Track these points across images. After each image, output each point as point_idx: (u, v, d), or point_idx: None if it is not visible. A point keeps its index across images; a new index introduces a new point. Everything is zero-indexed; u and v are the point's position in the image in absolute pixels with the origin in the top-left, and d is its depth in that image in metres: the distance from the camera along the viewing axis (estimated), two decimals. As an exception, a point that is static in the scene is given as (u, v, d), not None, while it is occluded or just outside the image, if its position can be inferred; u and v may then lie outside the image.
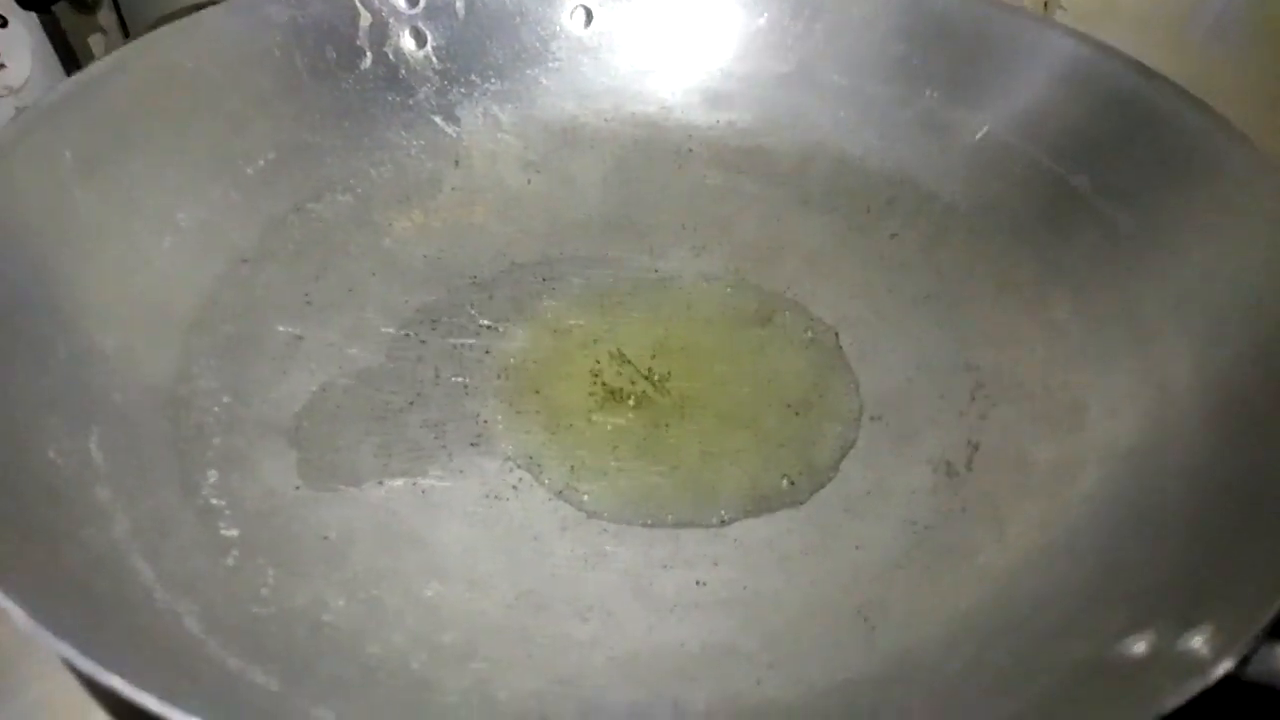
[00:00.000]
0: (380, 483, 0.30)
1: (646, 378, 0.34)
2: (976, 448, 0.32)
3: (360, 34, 0.40)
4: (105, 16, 0.48)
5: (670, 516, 0.30)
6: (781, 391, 0.34)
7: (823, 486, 0.31)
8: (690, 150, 0.42)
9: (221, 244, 0.35)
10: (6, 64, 0.43)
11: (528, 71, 0.42)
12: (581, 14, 0.43)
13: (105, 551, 0.25)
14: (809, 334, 0.36)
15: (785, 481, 0.31)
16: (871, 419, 0.33)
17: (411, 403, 0.33)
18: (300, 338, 0.34)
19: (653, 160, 0.42)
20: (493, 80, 0.42)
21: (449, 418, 0.32)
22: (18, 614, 0.21)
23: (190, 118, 0.36)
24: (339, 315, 0.35)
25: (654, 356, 0.35)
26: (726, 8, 0.43)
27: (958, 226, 0.38)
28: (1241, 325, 0.30)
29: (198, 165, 0.36)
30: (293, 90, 0.39)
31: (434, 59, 0.41)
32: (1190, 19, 0.41)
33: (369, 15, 0.40)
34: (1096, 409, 0.32)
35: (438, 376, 0.34)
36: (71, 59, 0.45)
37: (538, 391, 0.33)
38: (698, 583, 0.28)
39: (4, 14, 0.42)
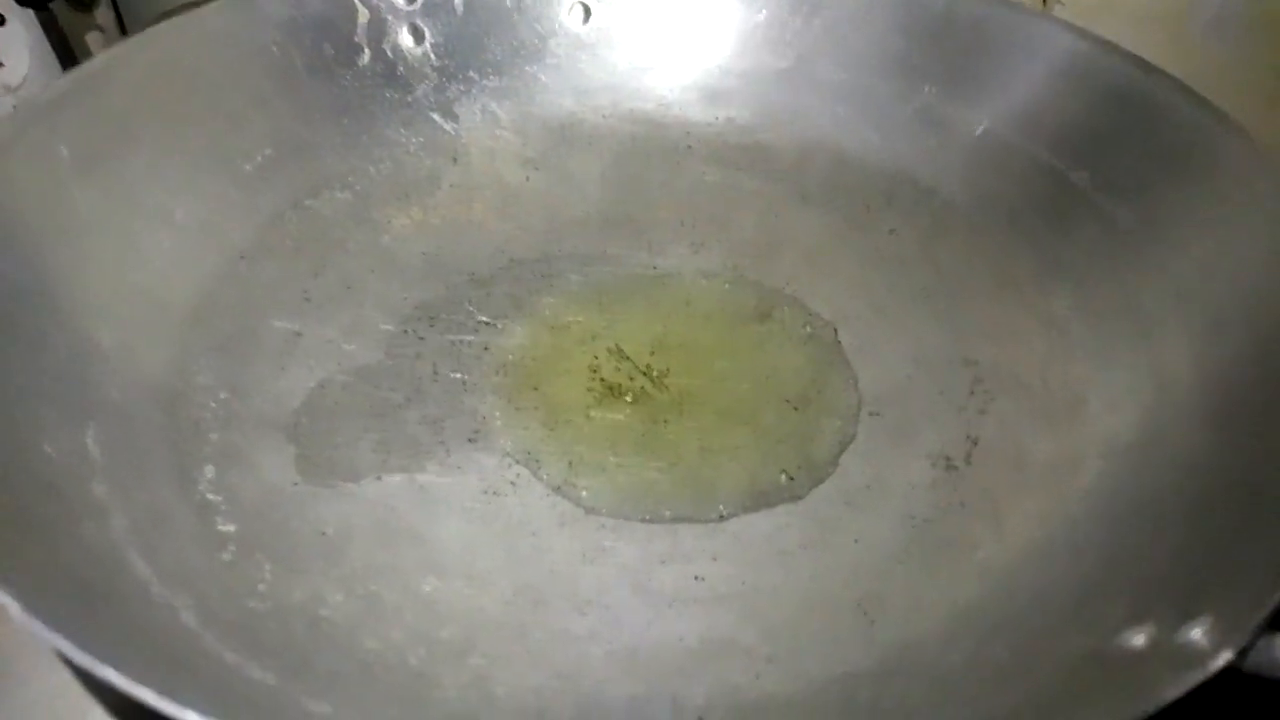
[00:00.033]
0: (378, 478, 0.30)
1: (645, 374, 0.34)
2: (975, 442, 0.32)
3: (358, 31, 0.40)
4: (103, 15, 0.48)
5: (668, 512, 0.30)
6: (780, 387, 0.34)
7: (821, 482, 0.31)
8: (689, 147, 0.42)
9: (219, 241, 0.35)
10: (4, 62, 0.43)
11: (526, 68, 0.42)
12: (580, 11, 0.43)
13: (102, 546, 0.25)
14: (808, 330, 0.36)
15: (784, 477, 0.31)
16: (870, 414, 0.33)
17: (410, 399, 0.33)
18: (299, 334, 0.34)
19: (651, 157, 0.42)
20: (491, 77, 0.42)
21: (447, 414, 0.32)
22: (13, 608, 0.21)
23: (188, 114, 0.36)
24: (337, 312, 0.35)
25: (652, 353, 0.35)
26: (725, 4, 0.43)
27: (956, 222, 0.38)
28: (1241, 319, 0.30)
29: (195, 162, 0.36)
30: (291, 87, 0.39)
31: (432, 56, 0.41)
32: (1189, 13, 0.41)
33: (367, 12, 0.40)
34: (1095, 404, 0.32)
35: (436, 373, 0.34)
36: (69, 57, 0.45)
37: (536, 388, 0.33)
38: (696, 578, 0.28)
39: (2, 12, 0.42)
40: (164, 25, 0.37)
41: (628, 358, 0.34)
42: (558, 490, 0.30)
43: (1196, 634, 0.22)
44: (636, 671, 0.26)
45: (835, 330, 0.35)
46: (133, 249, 0.33)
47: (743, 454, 0.32)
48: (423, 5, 0.41)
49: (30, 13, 0.43)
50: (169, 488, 0.28)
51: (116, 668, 0.20)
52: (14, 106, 0.43)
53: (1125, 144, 0.36)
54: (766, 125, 0.42)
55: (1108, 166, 0.36)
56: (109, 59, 0.35)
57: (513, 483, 0.31)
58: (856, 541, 0.29)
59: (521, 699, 0.25)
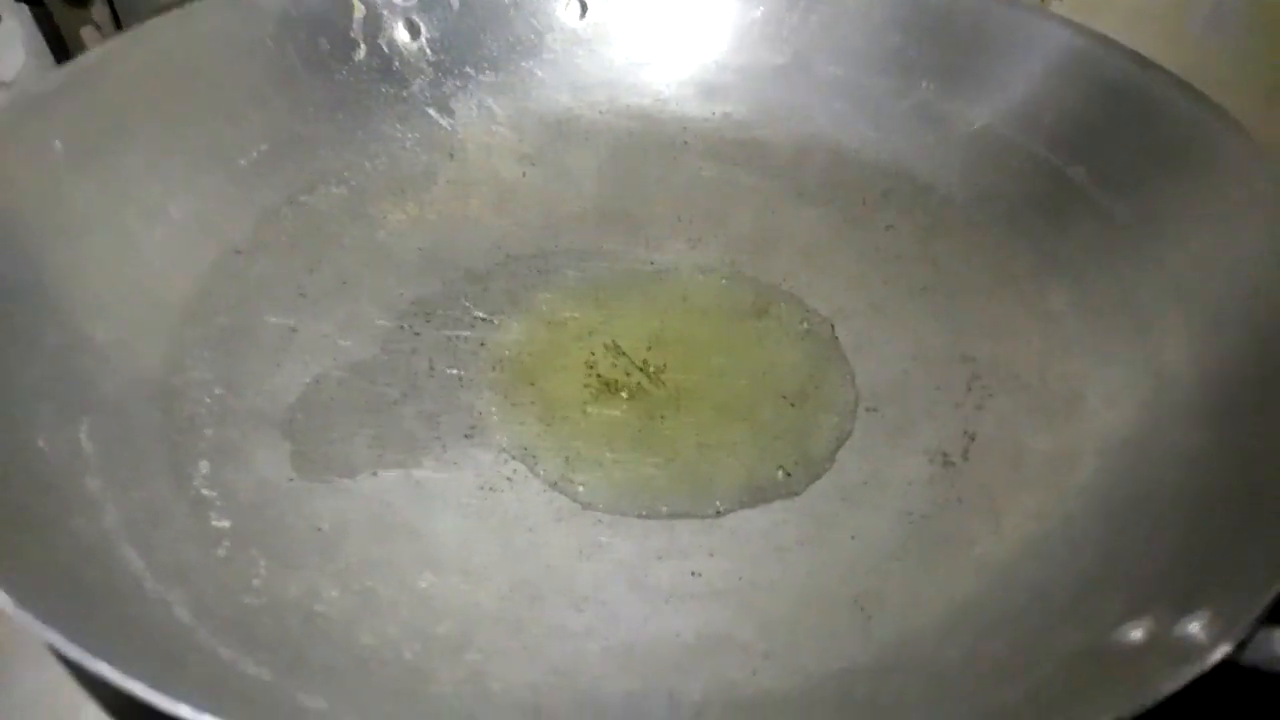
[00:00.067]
0: (374, 474, 0.30)
1: (642, 370, 0.34)
2: (973, 438, 0.32)
3: (354, 25, 0.40)
4: (99, 11, 0.47)
5: (665, 508, 0.30)
6: (777, 383, 0.34)
7: (819, 478, 0.31)
8: (685, 142, 0.42)
9: (214, 235, 0.35)
10: (-1, 57, 0.43)
11: (522, 64, 0.42)
12: (576, 6, 0.42)
13: (95, 541, 0.25)
14: (805, 326, 0.36)
15: (781, 473, 0.31)
16: (867, 410, 0.33)
17: (406, 394, 0.33)
18: (294, 329, 0.34)
19: (648, 152, 0.41)
20: (487, 72, 0.42)
21: (443, 409, 0.32)
22: (6, 603, 0.21)
23: (183, 109, 0.36)
24: (333, 307, 0.35)
25: (649, 348, 0.34)
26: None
27: (954, 218, 0.38)
28: (1238, 314, 0.30)
29: (190, 156, 0.36)
30: (286, 82, 0.39)
31: (428, 51, 0.41)
32: (1187, 9, 0.41)
33: (363, 7, 0.40)
34: (1093, 399, 0.32)
35: (432, 368, 0.33)
36: (64, 53, 0.45)
37: (532, 383, 0.33)
38: (693, 573, 0.28)
39: (-3, 7, 0.42)
40: (159, 20, 0.36)
41: (624, 353, 0.34)
42: (554, 486, 0.30)
43: (1194, 628, 0.22)
44: (633, 667, 0.26)
45: (832, 326, 0.35)
46: (127, 244, 0.33)
47: (740, 450, 0.32)
48: (419, 0, 0.41)
49: (25, 8, 0.43)
50: (163, 483, 0.28)
51: (109, 662, 0.20)
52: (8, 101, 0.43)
53: (1123, 140, 0.36)
54: (763, 121, 0.42)
55: (1105, 162, 0.36)
56: (104, 53, 0.35)
57: (509, 478, 0.31)
58: (853, 537, 0.29)
59: (518, 695, 0.25)
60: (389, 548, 0.28)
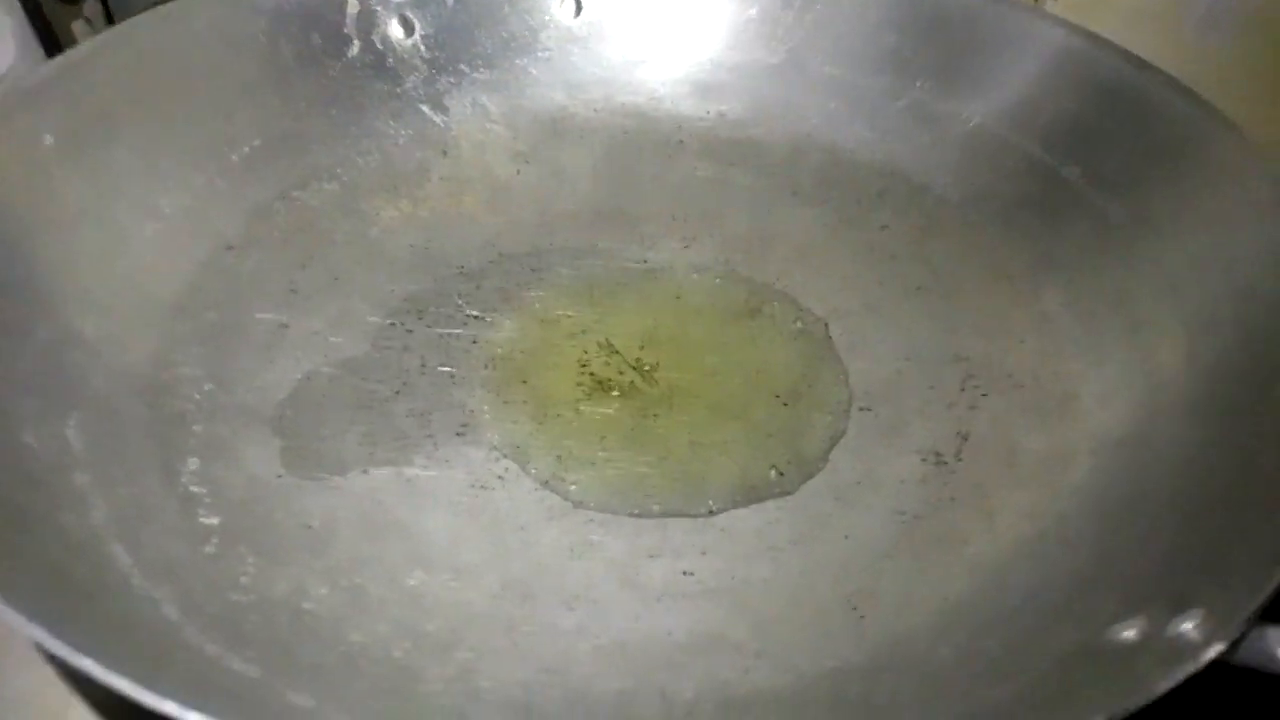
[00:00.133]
0: (365, 471, 0.30)
1: (635, 368, 0.34)
2: (966, 438, 0.32)
3: (347, 21, 0.40)
4: (90, 5, 0.47)
5: (657, 506, 0.30)
6: (771, 382, 0.34)
7: (812, 477, 0.31)
8: (680, 141, 0.42)
9: (206, 231, 0.35)
10: (-11, 52, 0.43)
11: (517, 61, 0.42)
12: (571, 3, 0.42)
13: (83, 537, 0.25)
14: (798, 325, 0.35)
15: (774, 472, 0.31)
16: (861, 409, 0.33)
17: (397, 392, 0.32)
18: (285, 326, 0.34)
19: (643, 151, 0.41)
20: (481, 70, 0.42)
21: (435, 407, 0.32)
22: (-9, 599, 0.20)
23: (174, 103, 0.36)
24: (324, 304, 0.35)
25: (643, 347, 0.34)
26: (717, -2, 0.43)
27: (948, 218, 0.38)
28: (1232, 315, 0.30)
29: (182, 151, 0.35)
30: (279, 77, 0.38)
31: (422, 47, 0.41)
32: (1181, 9, 0.41)
33: (356, 3, 0.40)
34: (1087, 399, 0.32)
35: (424, 366, 0.33)
36: (55, 48, 0.45)
37: (525, 381, 0.33)
38: (685, 572, 0.28)
39: (-13, 1, 0.42)
40: (151, 14, 0.36)
41: (617, 352, 0.34)
42: (546, 484, 0.30)
43: (1188, 627, 0.21)
44: (625, 666, 0.26)
45: (826, 325, 0.35)
46: (118, 239, 0.33)
47: (733, 449, 0.31)
48: (413, -4, 0.41)
49: (16, 2, 0.42)
50: (152, 479, 0.28)
51: (95, 658, 0.20)
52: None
53: (1117, 140, 0.36)
54: (758, 120, 0.42)
55: (1100, 162, 0.36)
56: (95, 46, 0.35)
57: (500, 476, 0.30)
58: (846, 537, 0.29)
59: (508, 693, 0.25)
60: (379, 545, 0.28)
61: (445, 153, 0.40)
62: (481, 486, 0.30)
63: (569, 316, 0.35)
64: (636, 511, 0.30)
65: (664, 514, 0.30)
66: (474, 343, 0.34)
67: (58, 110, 0.32)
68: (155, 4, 0.37)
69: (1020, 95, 0.39)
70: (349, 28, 0.40)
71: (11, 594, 0.21)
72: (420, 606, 0.27)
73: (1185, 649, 0.21)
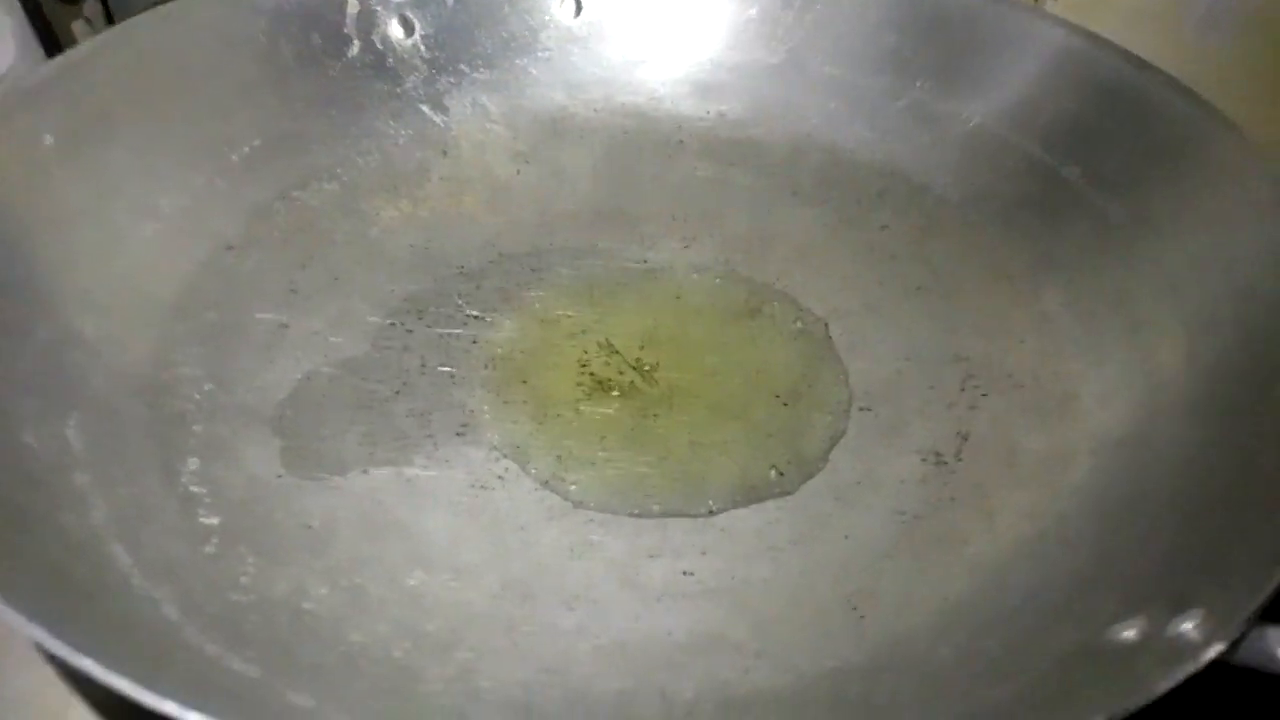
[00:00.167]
0: (365, 471, 0.30)
1: (635, 368, 0.34)
2: (966, 438, 0.32)
3: (347, 21, 0.40)
4: (90, 6, 0.47)
5: (657, 506, 0.30)
6: (771, 382, 0.34)
7: (811, 477, 0.31)
8: (680, 141, 0.42)
9: (205, 231, 0.35)
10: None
11: (517, 61, 0.42)
12: (571, 3, 0.42)
13: (83, 537, 0.25)
14: (798, 325, 0.35)
15: (774, 472, 0.31)
16: (861, 410, 0.33)
17: (397, 392, 0.32)
18: (285, 326, 0.34)
19: (643, 151, 0.41)
20: (481, 70, 0.42)
21: (435, 407, 0.32)
22: (-9, 599, 0.20)
23: (174, 103, 0.36)
24: (324, 304, 0.35)
25: (643, 347, 0.34)
26: (717, -2, 0.43)
27: (948, 218, 0.38)
28: (1232, 315, 0.30)
29: (181, 151, 0.35)
30: (279, 78, 0.38)
31: (422, 47, 0.41)
32: (1181, 9, 0.41)
33: (356, 2, 0.40)
34: (1087, 399, 0.32)
35: (424, 366, 0.33)
36: (55, 47, 0.45)
37: (525, 381, 0.33)
38: (685, 572, 0.28)
39: (-13, 2, 0.42)
40: (151, 14, 0.36)
41: (618, 352, 0.34)
42: (546, 484, 0.30)
43: (1188, 627, 0.21)
44: (625, 666, 0.26)
45: (826, 325, 0.35)
46: (117, 239, 0.33)
47: (733, 449, 0.31)
48: (413, -4, 0.41)
49: (16, 1, 0.42)
50: (152, 479, 0.28)
51: (95, 658, 0.20)
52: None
53: (1117, 140, 0.36)
54: (758, 120, 0.42)
55: (1100, 162, 0.36)
56: (95, 46, 0.35)
57: (500, 476, 0.30)
58: (846, 537, 0.29)
59: (508, 693, 0.25)
60: (379, 545, 0.28)
61: (445, 153, 0.40)
62: (481, 486, 0.30)
63: (569, 316, 0.35)
64: (636, 511, 0.30)
65: (664, 514, 0.30)
66: (474, 343, 0.34)
67: (57, 110, 0.32)
68: (155, 4, 0.37)
69: (1020, 95, 0.39)
70: (349, 28, 0.40)
71: (11, 594, 0.20)
72: (420, 606, 0.27)
73: (1185, 649, 0.21)
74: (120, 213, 0.33)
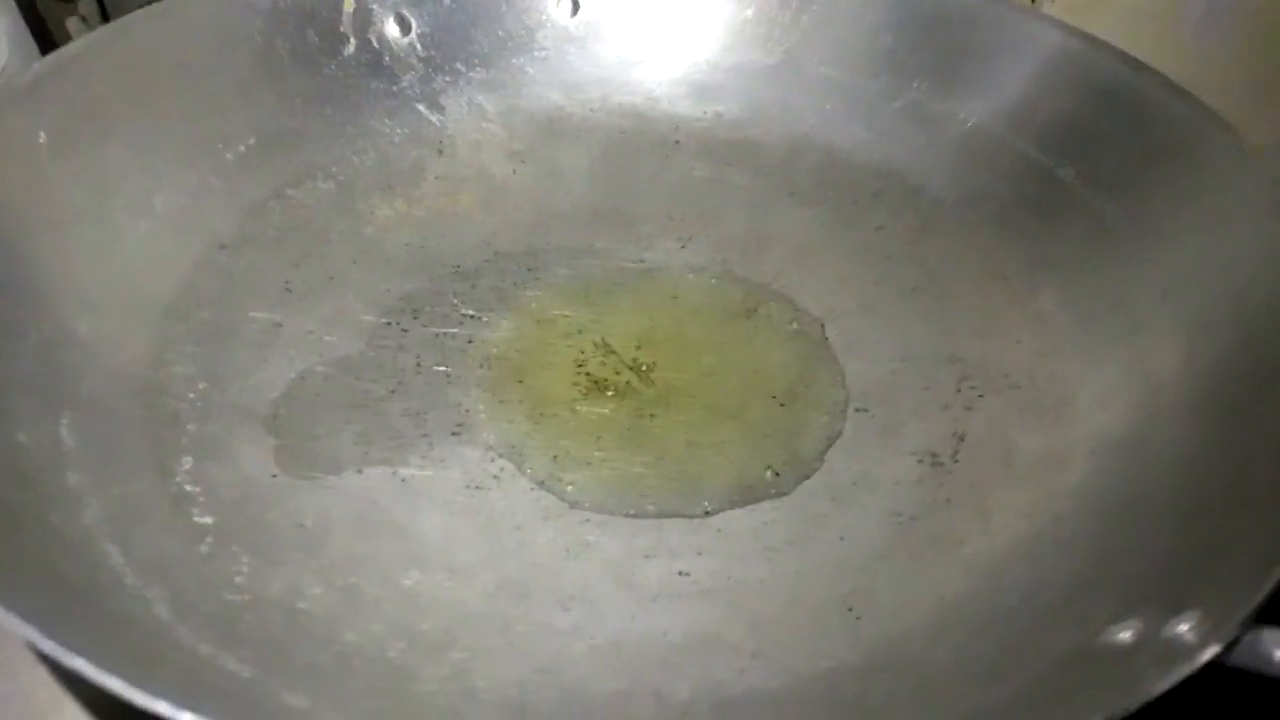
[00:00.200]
0: (360, 471, 0.30)
1: (631, 368, 0.34)
2: (962, 439, 0.32)
3: (343, 19, 0.40)
4: (85, 4, 0.47)
5: (653, 507, 0.30)
6: (767, 383, 0.33)
7: (808, 477, 0.31)
8: (677, 141, 0.42)
9: (200, 229, 0.35)
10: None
11: (513, 60, 0.42)
12: (568, 3, 0.42)
13: (75, 537, 0.25)
14: (795, 325, 0.35)
15: (770, 472, 0.31)
16: (857, 410, 0.33)
17: (393, 391, 0.32)
18: (279, 325, 0.33)
19: (639, 151, 0.41)
20: (478, 69, 0.41)
21: (430, 406, 0.32)
22: (-18, 598, 0.20)
23: (169, 101, 0.36)
24: (319, 303, 0.34)
25: (639, 347, 0.34)
26: (714, -1, 0.43)
27: (945, 219, 0.38)
28: (1229, 316, 0.30)
29: (176, 150, 0.35)
30: (274, 75, 0.38)
31: (418, 46, 0.41)
32: (1179, 11, 0.41)
33: (353, 1, 0.40)
34: (1084, 400, 0.32)
35: (419, 365, 0.33)
36: (50, 45, 0.45)
37: (521, 381, 0.33)
38: (681, 573, 0.28)
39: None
40: (145, 11, 0.36)
41: (614, 352, 0.34)
42: (542, 484, 0.30)
43: (1183, 629, 0.21)
44: (620, 666, 0.26)
45: (823, 326, 0.35)
46: (112, 237, 0.33)
47: (729, 449, 0.31)
48: (409, -5, 0.41)
49: (10, 1, 0.42)
50: (146, 478, 0.28)
51: (87, 658, 0.19)
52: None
53: (1113, 141, 0.36)
54: (755, 120, 0.42)
55: (1096, 163, 0.36)
56: (89, 43, 0.35)
57: (496, 476, 0.30)
58: (842, 538, 0.29)
59: (503, 693, 0.25)
60: (374, 545, 0.28)
61: (441, 152, 0.40)
62: (477, 486, 0.30)
63: (565, 316, 0.35)
64: (632, 512, 0.30)
65: (660, 514, 0.30)
66: (470, 342, 0.34)
67: (52, 108, 0.32)
68: (150, 1, 0.37)
69: (1017, 96, 0.39)
70: (345, 26, 0.40)
71: (4, 594, 0.20)
72: (415, 606, 0.27)
73: (1181, 650, 0.21)
74: (114, 211, 0.33)
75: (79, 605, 0.23)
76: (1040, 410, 0.32)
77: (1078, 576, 0.26)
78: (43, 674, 0.27)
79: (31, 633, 0.20)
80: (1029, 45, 0.39)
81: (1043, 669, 0.23)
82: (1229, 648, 0.21)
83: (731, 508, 0.30)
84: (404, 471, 0.30)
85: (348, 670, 0.24)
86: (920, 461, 0.31)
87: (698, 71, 0.43)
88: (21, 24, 0.42)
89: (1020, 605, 0.26)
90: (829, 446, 0.32)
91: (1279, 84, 0.41)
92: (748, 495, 0.30)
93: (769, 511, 0.30)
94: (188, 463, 0.29)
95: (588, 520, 0.29)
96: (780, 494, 0.30)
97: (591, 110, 0.42)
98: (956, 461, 0.31)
